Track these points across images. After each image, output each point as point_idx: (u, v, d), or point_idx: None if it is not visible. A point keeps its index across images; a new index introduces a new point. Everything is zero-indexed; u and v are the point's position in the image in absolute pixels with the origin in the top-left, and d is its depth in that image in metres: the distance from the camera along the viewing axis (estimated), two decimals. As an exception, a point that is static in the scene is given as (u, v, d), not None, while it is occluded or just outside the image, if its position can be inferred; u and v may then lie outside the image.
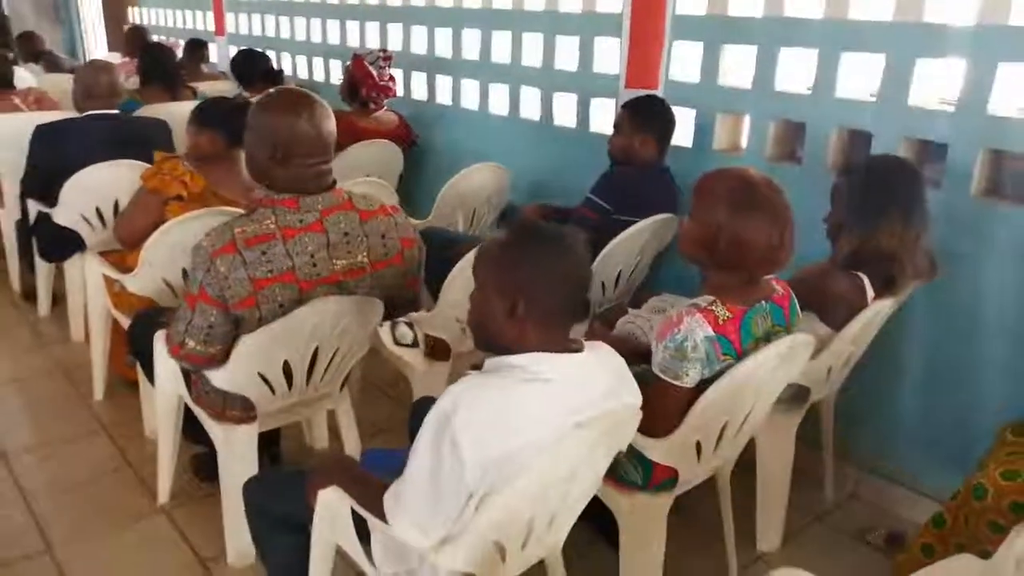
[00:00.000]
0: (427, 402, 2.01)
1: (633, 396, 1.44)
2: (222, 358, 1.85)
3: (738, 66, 2.75)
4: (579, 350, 1.36)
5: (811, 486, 2.53)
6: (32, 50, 6.22)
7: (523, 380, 1.28)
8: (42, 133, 3.11)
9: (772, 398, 1.86)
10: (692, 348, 1.61)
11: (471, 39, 3.78)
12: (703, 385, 1.65)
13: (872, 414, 2.52)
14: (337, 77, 4.59)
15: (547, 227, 1.38)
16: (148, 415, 2.71)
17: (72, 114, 3.31)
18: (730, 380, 1.63)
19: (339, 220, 1.85)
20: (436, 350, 2.43)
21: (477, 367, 1.34)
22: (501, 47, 3.62)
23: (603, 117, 3.20)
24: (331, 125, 1.84)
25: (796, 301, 1.82)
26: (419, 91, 4.20)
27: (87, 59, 8.21)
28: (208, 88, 4.67)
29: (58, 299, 3.70)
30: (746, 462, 2.17)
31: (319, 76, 5.04)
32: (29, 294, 3.85)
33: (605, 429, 1.37)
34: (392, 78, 3.94)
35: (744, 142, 2.82)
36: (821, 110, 2.50)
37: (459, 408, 1.22)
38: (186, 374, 2.10)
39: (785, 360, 1.72)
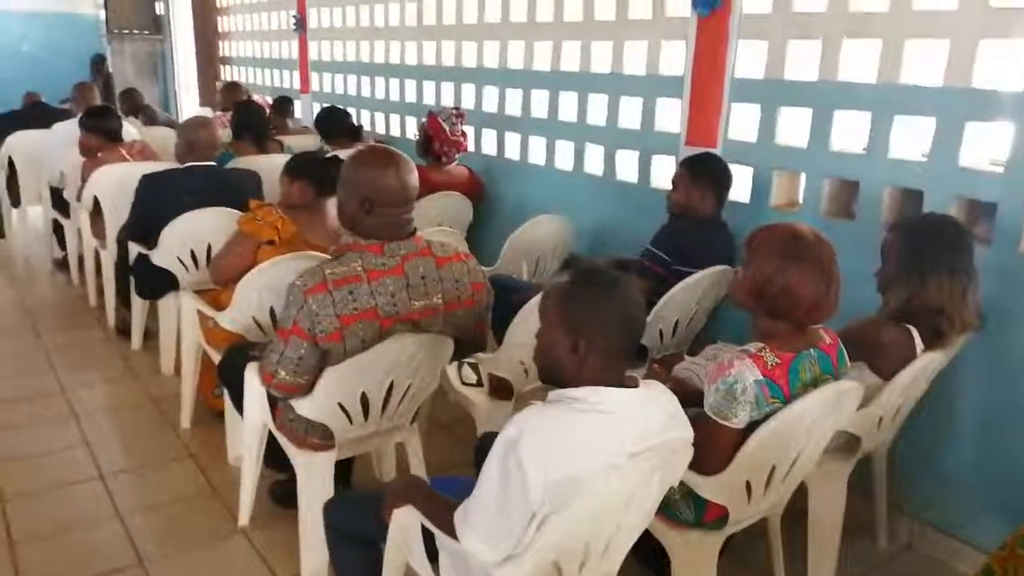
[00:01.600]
0: (491, 437, 2.15)
1: (685, 431, 1.55)
2: (309, 388, 2.02)
3: (795, 126, 2.87)
4: (635, 386, 1.49)
5: (865, 537, 2.57)
6: (132, 105, 6.74)
7: (582, 411, 1.42)
8: (147, 182, 3.39)
9: (821, 444, 1.94)
10: (742, 391, 1.72)
11: (539, 98, 4.01)
12: (753, 427, 1.76)
13: (926, 466, 2.56)
14: (412, 132, 4.87)
15: (606, 272, 1.53)
16: (232, 443, 2.91)
17: (174, 165, 3.61)
18: (778, 422, 1.73)
19: (418, 265, 2.03)
20: (499, 390, 2.57)
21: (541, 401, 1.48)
22: (568, 106, 3.83)
23: (663, 173, 3.35)
24: (414, 179, 2.03)
25: (844, 350, 1.91)
26: (489, 147, 4.44)
27: (181, 113, 8.83)
28: (294, 142, 5.00)
29: (149, 335, 3.98)
30: (799, 510, 2.24)
31: (396, 131, 5.34)
32: (123, 330, 4.14)
33: (658, 460, 1.49)
34: (464, 134, 4.18)
35: (800, 198, 2.93)
36: (874, 169, 2.60)
37: (524, 433, 1.36)
38: (271, 404, 2.28)
39: (832, 406, 1.81)
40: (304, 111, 6.44)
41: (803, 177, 2.90)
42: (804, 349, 1.80)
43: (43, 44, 10.37)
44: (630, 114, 3.50)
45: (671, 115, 3.28)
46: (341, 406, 2.11)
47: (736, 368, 1.73)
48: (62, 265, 5.22)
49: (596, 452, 1.40)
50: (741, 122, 3.02)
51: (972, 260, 2.13)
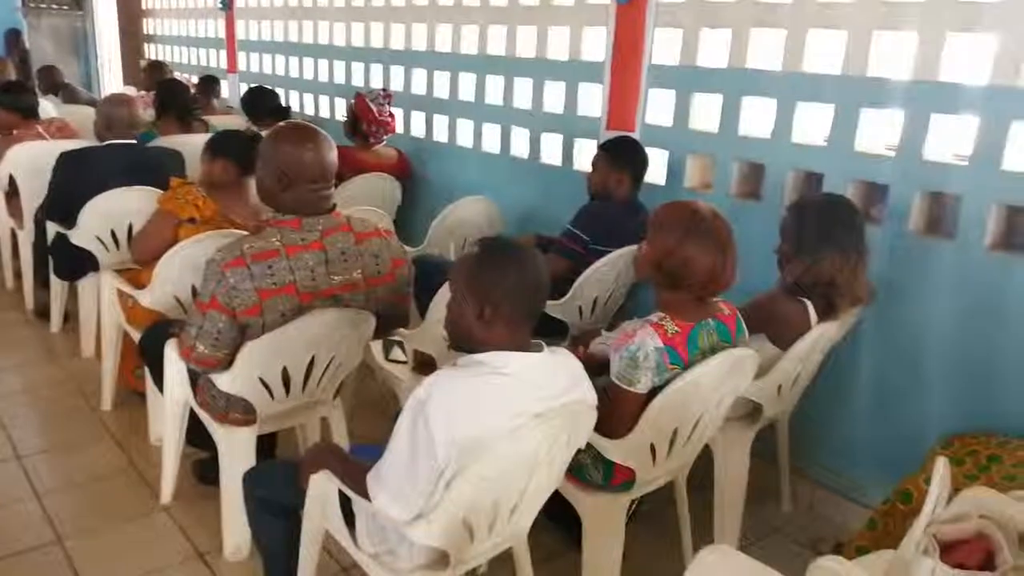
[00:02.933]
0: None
1: (589, 394, 1.64)
2: (228, 362, 2.05)
3: (707, 112, 3.00)
4: (539, 351, 1.57)
5: (770, 501, 2.73)
6: (52, 82, 6.51)
7: (488, 373, 1.49)
8: (66, 160, 3.32)
9: (722, 408, 2.07)
10: (644, 358, 1.82)
11: (467, 82, 4.06)
12: (656, 393, 1.86)
13: (825, 433, 2.72)
14: (341, 114, 4.86)
15: (509, 243, 1.61)
16: (154, 423, 2.90)
17: (93, 143, 3.54)
18: (677, 387, 1.84)
19: (337, 240, 2.07)
20: (423, 365, 2.63)
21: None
22: (494, 90, 3.90)
23: (586, 156, 3.44)
24: (332, 155, 2.07)
25: (742, 321, 2.04)
26: (418, 129, 4.48)
27: (103, 92, 8.55)
28: (219, 122, 4.92)
29: (69, 317, 3.91)
30: (706, 480, 2.37)
31: (324, 113, 5.32)
32: (42, 312, 4.05)
33: (563, 421, 1.58)
34: (392, 115, 4.20)
35: (712, 181, 3.06)
36: (779, 153, 2.74)
37: (432, 394, 1.43)
38: (192, 381, 2.30)
39: (729, 371, 1.93)
40: (232, 91, 6.34)
41: (714, 160, 3.03)
42: (703, 319, 1.91)
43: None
44: (554, 98, 3.59)
45: (593, 100, 3.38)
46: (262, 381, 2.14)
47: (638, 336, 1.83)
48: (-24, 247, 5.04)
49: (501, 412, 1.48)
50: (657, 107, 3.13)
51: (863, 238, 2.28)
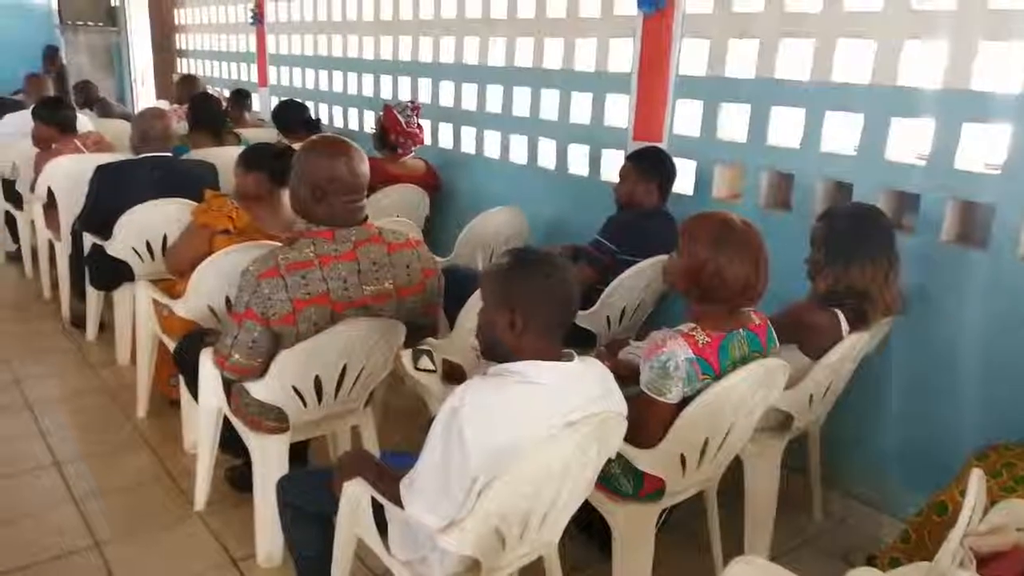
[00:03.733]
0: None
1: (619, 404, 1.65)
2: (262, 371, 2.08)
3: (735, 122, 3.00)
4: (570, 360, 1.59)
5: (801, 512, 2.71)
6: (88, 97, 6.67)
7: (520, 382, 1.51)
8: (102, 173, 3.40)
9: (753, 418, 2.06)
10: (674, 368, 1.83)
11: (494, 93, 4.10)
12: (686, 403, 1.86)
13: (858, 444, 2.70)
14: (370, 127, 4.92)
15: (539, 252, 1.62)
16: (188, 431, 2.95)
17: (129, 156, 3.62)
18: (708, 397, 1.84)
19: (369, 250, 2.10)
20: (452, 375, 2.65)
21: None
22: (521, 101, 3.93)
23: (613, 166, 3.45)
24: (365, 167, 2.10)
25: (773, 331, 2.03)
26: (446, 140, 4.52)
27: (137, 106, 8.73)
28: (251, 134, 5.01)
29: (104, 326, 3.99)
30: (737, 489, 2.36)
31: (353, 125, 5.38)
32: (77, 322, 4.13)
33: (593, 430, 1.58)
34: (420, 127, 4.25)
35: (741, 191, 3.06)
36: (808, 163, 2.74)
37: (465, 403, 1.44)
38: (226, 389, 2.34)
39: (760, 381, 1.93)
40: (262, 104, 6.44)
41: (743, 170, 3.03)
42: (734, 329, 1.91)
43: (-7, 34, 10.16)
44: (581, 109, 3.61)
45: (620, 111, 3.39)
46: (295, 389, 2.17)
47: (669, 347, 1.84)
48: (15, 258, 5.17)
49: (534, 422, 1.50)
50: (685, 117, 3.14)
51: (894, 247, 2.27)
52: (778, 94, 2.81)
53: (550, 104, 3.76)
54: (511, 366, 1.53)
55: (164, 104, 6.88)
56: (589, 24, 3.52)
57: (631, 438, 1.79)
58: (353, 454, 1.92)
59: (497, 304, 1.56)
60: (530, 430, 1.48)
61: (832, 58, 2.64)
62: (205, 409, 2.49)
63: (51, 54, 9.17)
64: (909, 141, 2.55)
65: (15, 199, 4.72)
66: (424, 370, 2.71)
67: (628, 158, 3.05)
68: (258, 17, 6.37)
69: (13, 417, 3.22)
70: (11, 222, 5.03)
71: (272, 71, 6.41)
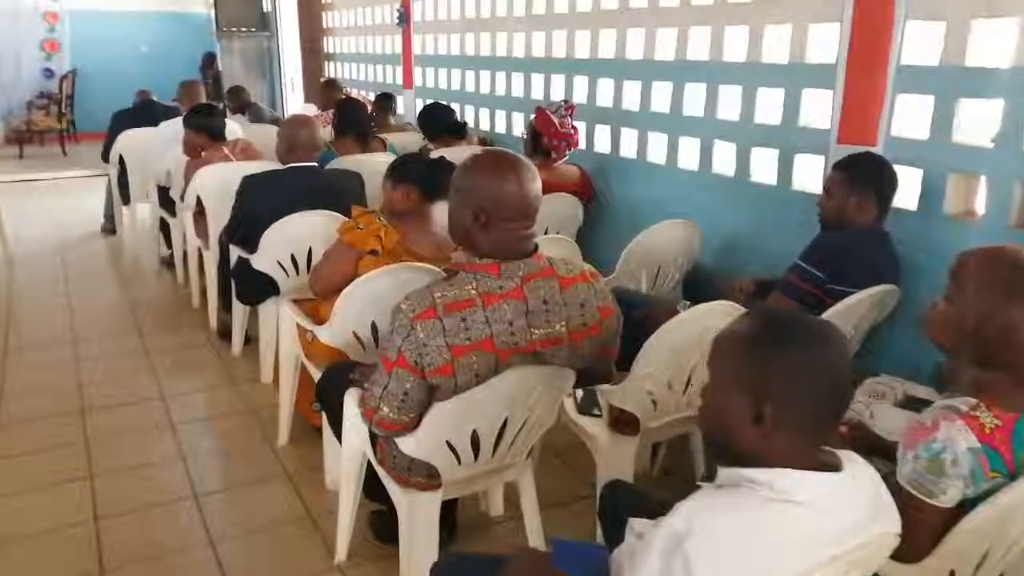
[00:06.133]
0: (619, 487, 1.87)
1: (893, 522, 1.20)
2: (414, 426, 1.78)
3: (977, 121, 2.44)
4: (836, 466, 1.15)
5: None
6: (240, 102, 6.76)
7: (767, 500, 1.08)
8: (249, 184, 3.28)
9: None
10: (952, 462, 1.36)
11: (661, 91, 3.65)
12: (962, 504, 1.39)
13: None
14: (519, 130, 4.60)
15: (806, 319, 1.19)
16: (330, 466, 2.72)
17: (275, 166, 3.49)
18: (1003, 505, 1.35)
19: (539, 287, 1.75)
20: (621, 422, 2.28)
21: (709, 478, 1.16)
22: (694, 99, 3.47)
23: (808, 174, 2.95)
24: (537, 188, 1.75)
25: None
26: (602, 144, 4.12)
27: (287, 110, 8.89)
28: (396, 139, 4.83)
29: (250, 340, 3.88)
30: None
31: (500, 128, 5.09)
32: (224, 333, 4.06)
33: (857, 561, 1.15)
34: (575, 128, 3.88)
35: (980, 206, 2.49)
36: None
37: (693, 530, 1.04)
38: (372, 436, 2.06)
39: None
40: (407, 107, 6.28)
41: (983, 181, 2.46)
42: (1032, 408, 1.42)
43: (157, 43, 10.72)
44: (769, 108, 3.11)
45: (819, 108, 2.88)
46: (449, 445, 1.86)
47: (943, 432, 1.37)
48: (169, 263, 5.23)
49: (787, 557, 1.07)
50: (908, 116, 2.59)
51: None
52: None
53: (730, 102, 3.28)
54: (753, 473, 1.10)
55: (312, 108, 6.90)
56: (781, 8, 3.02)
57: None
58: (524, 555, 1.55)
59: (737, 387, 1.14)
60: (782, 568, 1.06)
61: None
62: (349, 455, 2.23)
63: (209, 61, 9.52)
64: None
65: (169, 205, 4.75)
66: (589, 414, 2.38)
67: (836, 167, 2.54)
68: (404, 17, 6.21)
69: (156, 437, 3.13)
70: (165, 228, 5.09)
71: (417, 72, 6.23)
